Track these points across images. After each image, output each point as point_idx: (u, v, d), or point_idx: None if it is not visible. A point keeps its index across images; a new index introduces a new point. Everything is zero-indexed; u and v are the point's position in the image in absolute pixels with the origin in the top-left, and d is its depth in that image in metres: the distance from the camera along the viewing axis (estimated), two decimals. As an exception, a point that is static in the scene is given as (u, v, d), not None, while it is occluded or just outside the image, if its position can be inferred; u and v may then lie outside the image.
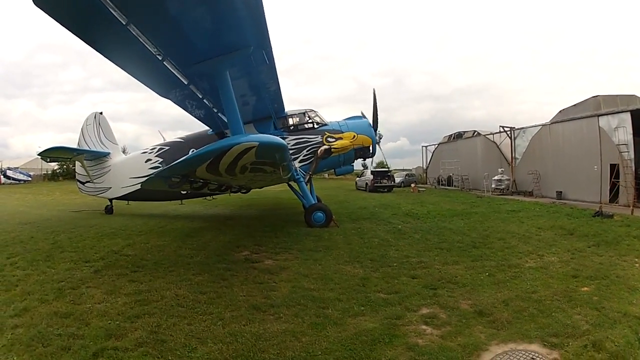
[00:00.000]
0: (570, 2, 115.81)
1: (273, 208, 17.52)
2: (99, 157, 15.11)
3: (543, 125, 23.99)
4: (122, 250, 8.44)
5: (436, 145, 38.86)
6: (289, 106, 13.10)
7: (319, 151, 12.52)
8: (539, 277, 6.05)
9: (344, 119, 13.73)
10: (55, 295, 5.45)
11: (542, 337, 3.92)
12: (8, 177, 41.10)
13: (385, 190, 28.02)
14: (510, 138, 26.26)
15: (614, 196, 18.08)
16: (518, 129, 26.12)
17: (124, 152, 20.13)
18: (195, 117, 11.59)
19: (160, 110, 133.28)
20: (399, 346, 3.83)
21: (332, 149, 12.72)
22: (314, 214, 11.41)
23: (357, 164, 15.73)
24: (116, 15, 5.46)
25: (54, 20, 5.20)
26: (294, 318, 4.59)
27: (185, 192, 13.36)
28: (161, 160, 13.72)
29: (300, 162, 12.83)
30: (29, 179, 43.40)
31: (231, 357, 3.68)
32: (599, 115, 19.67)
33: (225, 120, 12.26)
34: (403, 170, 43.32)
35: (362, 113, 14.27)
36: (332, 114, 21.44)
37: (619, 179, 17.90)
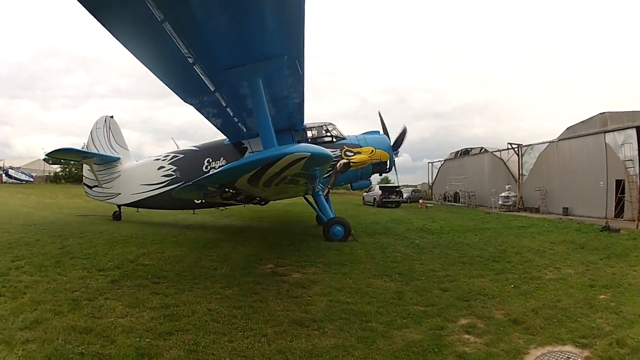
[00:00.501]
0: (569, 17, 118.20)
1: (286, 221, 17.15)
2: (109, 162, 14.75)
3: (550, 142, 24.03)
4: (137, 259, 8.04)
5: (442, 162, 38.81)
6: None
7: (337, 165, 12.28)
8: (560, 288, 6.42)
9: (362, 134, 13.60)
10: (70, 306, 5.03)
11: (573, 339, 4.34)
12: (10, 176, 40.92)
13: (393, 205, 27.72)
14: (518, 155, 26.25)
15: (620, 211, 18.03)
16: (525, 145, 26.15)
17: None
18: (214, 125, 11.34)
19: (163, 119, 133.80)
20: (448, 355, 3.96)
21: (351, 163, 12.53)
22: (332, 227, 11.11)
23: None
24: (154, 11, 5.19)
25: (87, 11, 4.86)
26: (339, 332, 4.48)
27: (199, 201, 13.12)
28: (174, 168, 13.44)
29: None
30: (31, 179, 43.22)
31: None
32: (605, 132, 19.76)
33: (245, 131, 12.13)
34: (408, 186, 43.03)
35: (379, 113, 14.32)
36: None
37: (624, 194, 17.84)
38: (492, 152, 30.25)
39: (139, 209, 15.44)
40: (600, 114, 21.23)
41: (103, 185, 14.65)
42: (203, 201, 13.03)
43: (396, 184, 28.85)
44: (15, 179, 41.05)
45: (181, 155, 13.56)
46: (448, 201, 33.75)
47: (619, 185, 18.28)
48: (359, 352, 3.97)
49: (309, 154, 5.73)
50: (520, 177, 25.98)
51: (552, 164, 23.53)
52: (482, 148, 32.48)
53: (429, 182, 41.90)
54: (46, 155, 18.20)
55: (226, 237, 11.72)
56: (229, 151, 12.95)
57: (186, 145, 15.09)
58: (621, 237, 12.02)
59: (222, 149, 13.07)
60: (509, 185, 26.20)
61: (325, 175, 12.49)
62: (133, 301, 5.32)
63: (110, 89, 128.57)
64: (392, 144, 13.47)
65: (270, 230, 14.03)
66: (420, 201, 30.13)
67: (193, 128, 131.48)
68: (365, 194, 30.97)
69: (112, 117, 15.40)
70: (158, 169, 13.63)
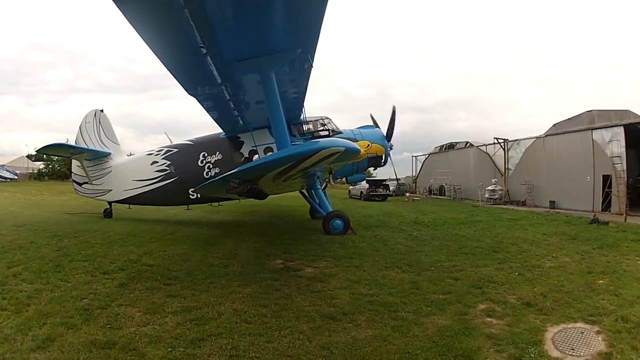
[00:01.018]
0: (559, 17, 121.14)
1: (278, 215, 17.09)
2: (99, 157, 14.32)
3: (537, 137, 24.62)
4: (140, 259, 7.79)
5: (427, 156, 39.26)
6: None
7: None
8: (561, 274, 6.87)
9: (358, 128, 13.61)
10: (83, 317, 4.61)
11: (582, 317, 4.85)
12: None
13: (380, 199, 27.89)
14: (504, 149, 26.78)
15: (607, 205, 18.66)
16: (512, 140, 26.69)
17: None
18: (213, 118, 11.21)
19: (144, 113, 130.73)
20: (478, 337, 4.29)
21: None
22: (332, 221, 11.14)
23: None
24: None
25: None
26: (372, 323, 4.61)
27: (194, 197, 12.87)
28: (168, 162, 13.19)
29: None
30: (15, 177, 42.07)
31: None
32: (592, 129, 20.38)
33: (241, 124, 11.94)
34: (393, 180, 43.45)
35: (371, 116, 14.33)
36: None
37: (611, 189, 18.49)
38: (477, 146, 30.79)
39: (131, 206, 15.07)
40: (588, 111, 21.86)
41: (93, 182, 14.23)
42: (198, 196, 12.83)
43: (383, 178, 29.00)
44: (0, 177, 39.94)
45: (175, 150, 13.32)
46: (433, 194, 34.22)
47: (606, 180, 18.93)
48: (398, 341, 4.14)
49: (343, 148, 5.76)
50: (507, 171, 26.57)
51: (538, 159, 24.12)
52: (467, 142, 33.02)
53: (412, 175, 42.32)
54: (36, 151, 17.42)
55: (224, 233, 11.62)
56: (225, 145, 12.79)
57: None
58: (610, 230, 12.51)
59: (217, 143, 12.87)
60: (495, 179, 26.76)
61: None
62: (150, 306, 5.04)
63: (94, 83, 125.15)
64: (386, 131, 13.41)
65: (266, 225, 13.97)
66: (407, 194, 30.45)
67: (173, 122, 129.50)
68: (351, 187, 31.01)
69: (102, 111, 14.90)
70: (151, 164, 13.34)
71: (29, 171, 45.79)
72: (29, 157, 48.98)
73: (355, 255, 8.34)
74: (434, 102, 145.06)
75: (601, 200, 19.03)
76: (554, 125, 23.90)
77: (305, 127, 12.89)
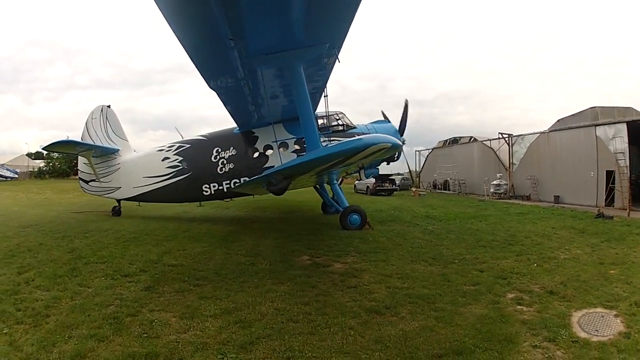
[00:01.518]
0: (559, 11, 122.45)
1: (288, 211, 17.37)
2: (107, 154, 14.41)
3: (542, 133, 25.29)
4: (160, 259, 7.66)
5: (430, 150, 39.90)
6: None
7: None
8: (575, 265, 7.45)
9: (370, 123, 13.86)
10: (113, 327, 4.27)
11: (601, 302, 5.38)
12: None
13: (386, 193, 28.40)
14: (509, 144, 27.46)
15: (610, 200, 19.41)
16: (516, 136, 27.36)
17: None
18: (229, 111, 11.33)
19: (142, 109, 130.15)
20: (514, 323, 4.69)
21: None
22: (349, 216, 11.46)
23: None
24: None
25: None
26: (415, 315, 4.91)
27: (208, 193, 13.19)
28: (181, 158, 13.31)
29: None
30: (16, 176, 42.35)
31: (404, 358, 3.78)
32: (596, 125, 21.08)
33: (256, 119, 12.27)
34: (397, 174, 44.13)
35: (382, 112, 14.59)
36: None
37: (614, 184, 19.25)
38: (482, 141, 31.47)
39: (141, 203, 15.27)
40: (591, 108, 22.57)
41: (101, 179, 14.30)
42: (212, 193, 13.10)
43: (389, 173, 29.45)
44: (1, 176, 40.21)
45: (187, 146, 13.44)
46: (438, 189, 34.90)
47: (609, 176, 19.60)
48: (444, 331, 4.43)
49: (391, 144, 6.06)
50: (511, 165, 27.28)
51: (543, 154, 24.77)
52: (471, 137, 33.62)
53: (415, 170, 42.93)
54: (43, 148, 17.49)
55: (241, 230, 11.84)
56: (239, 140, 12.97)
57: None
58: (615, 224, 13.15)
59: (231, 138, 13.05)
60: (500, 174, 27.45)
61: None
62: (185, 310, 4.85)
63: (92, 79, 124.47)
64: (398, 125, 13.66)
65: (280, 220, 14.25)
66: (414, 189, 31.05)
67: (172, 117, 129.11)
68: (357, 182, 31.49)
69: (109, 106, 14.96)
70: (162, 160, 13.45)
71: (29, 169, 46.20)
72: (29, 155, 49.39)
73: (379, 249, 8.64)
74: (434, 95, 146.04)
75: (605, 196, 19.74)
76: (558, 120, 24.60)
77: (320, 122, 13.25)
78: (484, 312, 5.01)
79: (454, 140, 35.80)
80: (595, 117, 21.98)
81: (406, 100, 14.04)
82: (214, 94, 9.50)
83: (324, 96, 9.66)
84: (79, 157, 14.80)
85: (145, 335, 4.13)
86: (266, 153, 12.77)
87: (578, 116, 23.16)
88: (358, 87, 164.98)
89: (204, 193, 13.03)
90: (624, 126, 19.34)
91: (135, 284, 6.02)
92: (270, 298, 5.44)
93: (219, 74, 8.61)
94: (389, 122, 14.14)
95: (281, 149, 12.67)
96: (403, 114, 13.96)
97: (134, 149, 15.37)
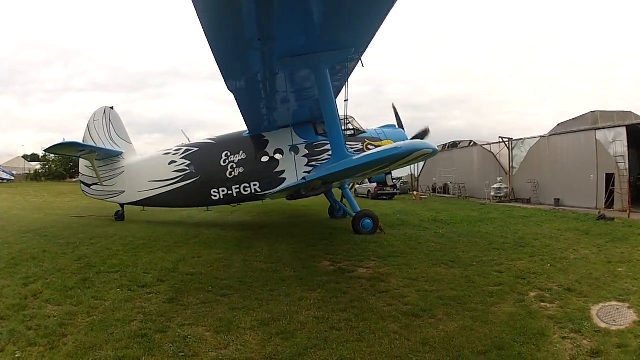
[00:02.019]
0: (553, 15, 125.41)
1: (295, 215, 17.61)
2: (111, 157, 14.34)
3: (542, 137, 26.26)
4: (176, 267, 7.45)
5: (428, 154, 40.79)
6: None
7: None
8: (586, 265, 8.02)
9: (380, 127, 14.24)
10: (143, 346, 3.96)
11: (614, 297, 5.98)
12: None
13: (387, 197, 28.93)
14: (509, 148, 28.38)
15: (610, 203, 20.32)
16: (516, 140, 28.33)
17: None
18: (242, 114, 11.49)
19: (138, 112, 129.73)
20: (542, 318, 5.18)
21: None
22: (362, 220, 11.74)
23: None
24: None
25: None
26: (451, 316, 5.21)
27: (216, 198, 13.46)
28: (188, 162, 13.34)
29: None
30: (12, 178, 42.16)
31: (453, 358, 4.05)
32: (596, 129, 22.06)
33: (268, 123, 12.67)
34: (398, 179, 44.91)
35: (392, 105, 15.09)
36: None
37: (614, 186, 20.21)
38: (481, 145, 32.42)
39: (145, 208, 15.35)
40: (591, 112, 23.70)
41: (104, 183, 14.20)
42: (221, 198, 13.30)
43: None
44: None
45: (195, 149, 13.51)
46: (437, 193, 35.72)
47: (609, 178, 20.48)
48: (482, 329, 4.78)
49: (431, 150, 6.49)
50: (511, 169, 28.22)
51: (543, 158, 25.67)
52: (471, 141, 34.54)
53: (414, 174, 43.69)
54: (44, 150, 17.44)
55: (252, 235, 11.98)
56: (249, 144, 13.10)
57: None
58: (617, 225, 13.84)
59: (241, 142, 13.14)
60: (501, 178, 28.33)
61: None
62: (218, 324, 4.65)
63: (88, 81, 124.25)
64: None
65: (290, 225, 14.48)
66: (414, 193, 31.76)
67: (167, 120, 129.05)
68: (358, 186, 32.04)
69: (112, 108, 14.95)
70: (169, 163, 13.46)
71: (25, 172, 46.04)
72: (25, 157, 49.16)
73: (397, 254, 8.93)
74: (429, 100, 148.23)
75: (604, 198, 20.63)
76: (559, 125, 25.64)
77: None
78: (513, 310, 5.45)
79: (454, 144, 36.68)
80: (595, 121, 23.00)
81: (393, 104, 14.63)
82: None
83: (344, 100, 9.95)
84: (81, 159, 14.70)
85: (182, 354, 3.86)
86: (276, 157, 12.92)
87: (578, 120, 24.20)
88: (353, 91, 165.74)
89: (213, 198, 13.07)
90: (624, 130, 20.27)
91: (155, 295, 5.73)
92: (305, 306, 5.41)
93: (241, 74, 8.74)
94: (398, 116, 14.65)
95: (292, 153, 12.90)
96: (396, 118, 14.49)
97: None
